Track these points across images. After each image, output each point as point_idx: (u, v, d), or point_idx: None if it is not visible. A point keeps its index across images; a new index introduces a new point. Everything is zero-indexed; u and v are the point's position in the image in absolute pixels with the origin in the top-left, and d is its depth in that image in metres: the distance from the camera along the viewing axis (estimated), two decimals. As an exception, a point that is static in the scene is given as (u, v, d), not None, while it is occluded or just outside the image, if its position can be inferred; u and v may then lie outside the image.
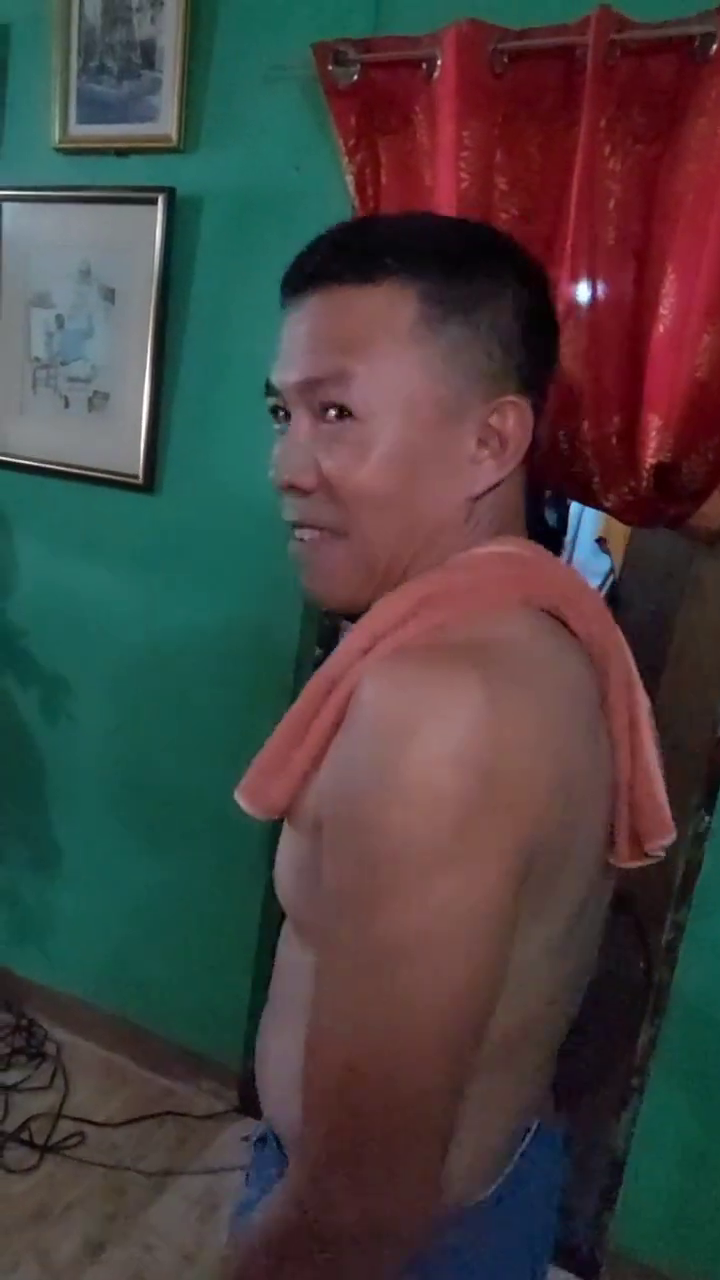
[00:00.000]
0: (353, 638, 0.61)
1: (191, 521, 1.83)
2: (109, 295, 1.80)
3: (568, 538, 2.76)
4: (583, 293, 1.33)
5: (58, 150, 1.80)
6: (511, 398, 0.61)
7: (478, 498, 0.63)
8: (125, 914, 2.08)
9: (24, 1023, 2.13)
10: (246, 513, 1.73)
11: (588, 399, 1.36)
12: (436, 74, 1.35)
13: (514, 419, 0.61)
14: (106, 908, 2.09)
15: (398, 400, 0.59)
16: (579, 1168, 1.66)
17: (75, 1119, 1.89)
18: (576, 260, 1.31)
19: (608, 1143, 1.75)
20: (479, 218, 1.33)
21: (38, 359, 1.91)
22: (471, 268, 0.61)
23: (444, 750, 0.48)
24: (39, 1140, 1.82)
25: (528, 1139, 0.70)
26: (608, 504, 1.42)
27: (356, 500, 0.61)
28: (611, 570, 2.68)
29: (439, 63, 1.34)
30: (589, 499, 1.45)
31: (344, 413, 0.60)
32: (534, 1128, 0.71)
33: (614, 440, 1.38)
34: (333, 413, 0.61)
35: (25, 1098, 1.94)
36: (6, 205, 1.88)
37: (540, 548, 0.64)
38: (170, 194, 1.68)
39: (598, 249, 1.32)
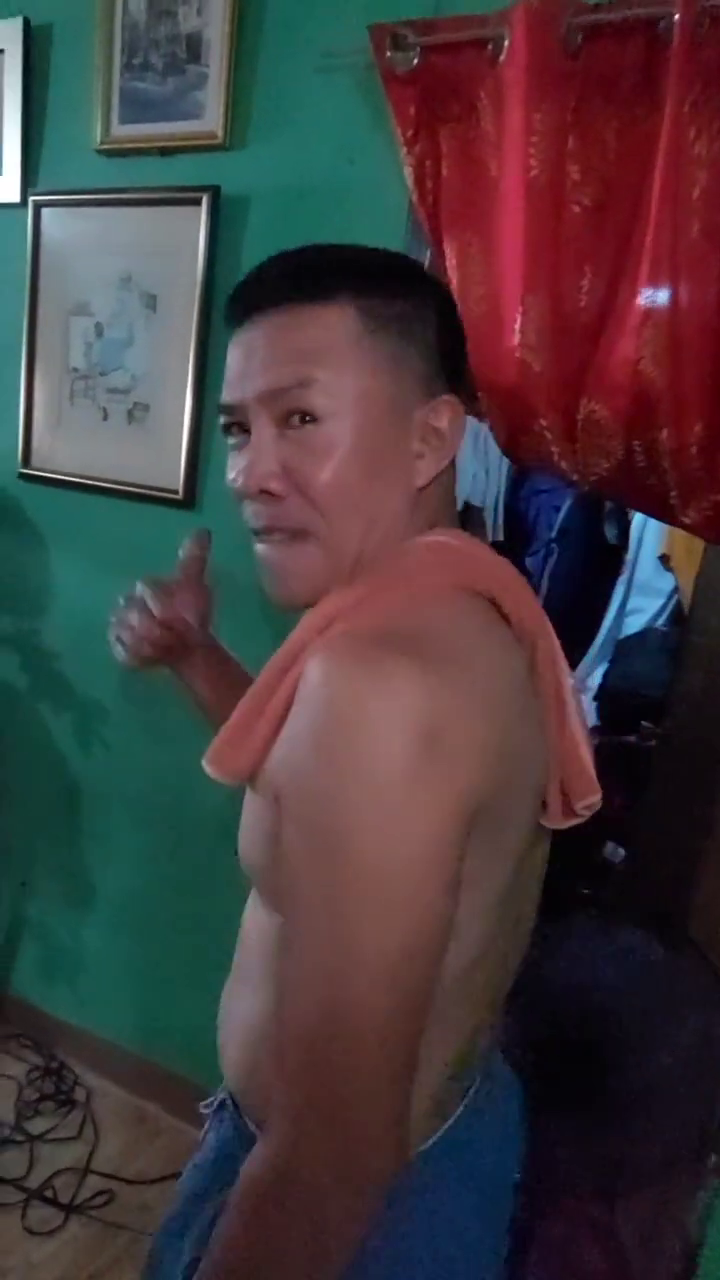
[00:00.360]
0: (309, 620, 0.67)
1: (233, 539, 1.71)
2: (150, 302, 1.71)
3: (628, 555, 2.61)
4: (662, 291, 1.21)
5: (99, 152, 1.73)
6: (446, 396, 0.69)
7: (422, 490, 0.69)
8: (159, 953, 1.97)
9: (54, 1065, 2.02)
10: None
11: (666, 406, 1.23)
12: (503, 55, 1.24)
13: (448, 416, 0.69)
14: (139, 946, 1.99)
15: (355, 401, 0.65)
16: (646, 1250, 1.51)
17: (104, 1175, 1.77)
18: (657, 254, 1.19)
19: (680, 1226, 1.59)
20: (550, 209, 1.23)
21: (76, 369, 1.82)
22: (404, 287, 0.69)
23: (388, 724, 0.53)
24: (64, 1198, 1.71)
25: (476, 1084, 0.75)
26: (686, 520, 1.30)
27: (327, 499, 0.66)
28: (676, 590, 2.51)
29: (506, 43, 1.23)
30: (665, 514, 1.33)
31: (307, 418, 0.66)
32: (478, 1079, 0.76)
33: (695, 450, 1.25)
34: (296, 418, 0.67)
35: (53, 1149, 1.83)
36: (46, 211, 1.81)
37: (470, 537, 0.71)
38: (215, 193, 1.59)
39: (680, 242, 1.19)
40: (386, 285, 0.68)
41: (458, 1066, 0.71)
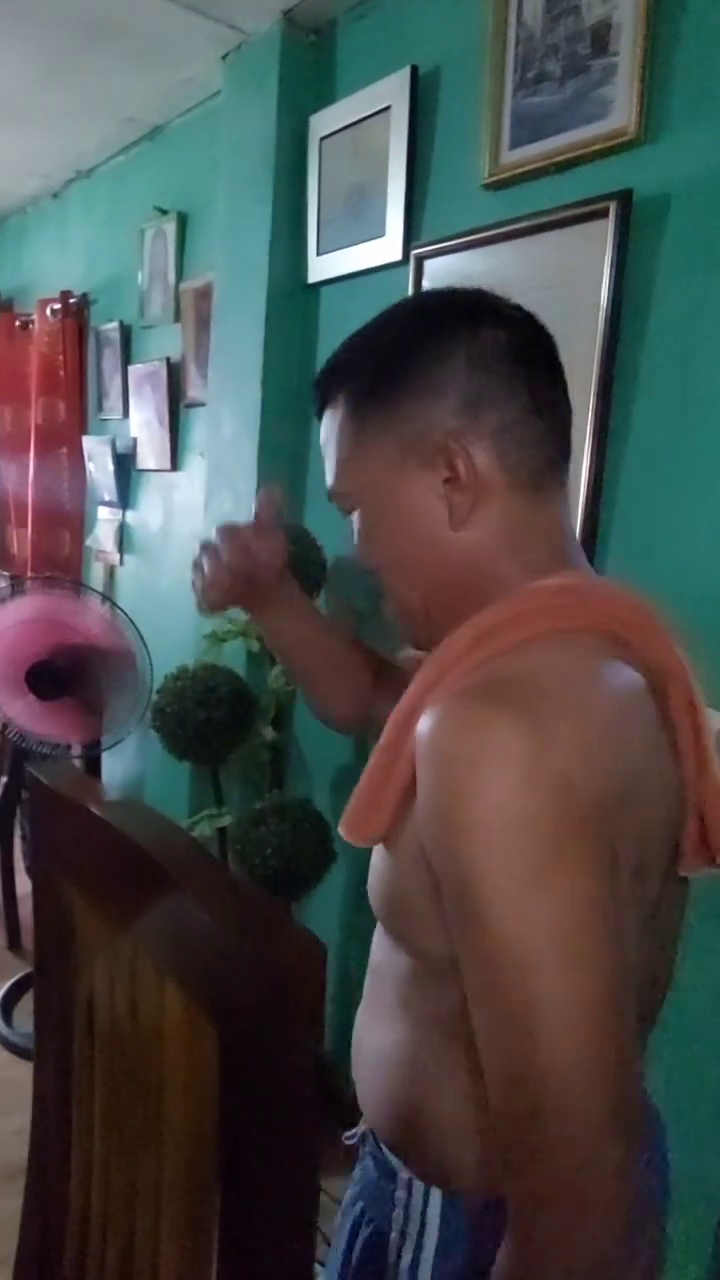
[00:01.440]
0: (423, 673, 0.66)
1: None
2: (542, 342, 1.47)
3: None
4: None
5: (486, 186, 1.54)
6: (455, 441, 0.65)
7: (467, 527, 0.67)
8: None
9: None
10: (713, 611, 1.25)
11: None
12: None
13: (456, 449, 0.65)
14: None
15: (362, 485, 0.71)
16: None
17: None
18: None
19: None
20: None
21: (456, 430, 1.63)
22: (395, 353, 0.68)
23: (510, 778, 0.52)
24: None
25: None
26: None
27: (374, 569, 0.73)
28: None
29: None
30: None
31: (346, 509, 0.74)
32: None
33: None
34: (348, 510, 0.74)
35: None
36: (428, 263, 1.66)
37: (600, 578, 0.71)
38: (625, 199, 1.31)
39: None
40: (375, 363, 0.69)
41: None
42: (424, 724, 0.57)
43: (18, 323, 3.21)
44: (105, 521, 2.89)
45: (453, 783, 0.54)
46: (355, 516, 0.72)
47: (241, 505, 2.07)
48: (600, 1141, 0.52)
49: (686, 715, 0.66)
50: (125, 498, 2.76)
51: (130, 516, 2.77)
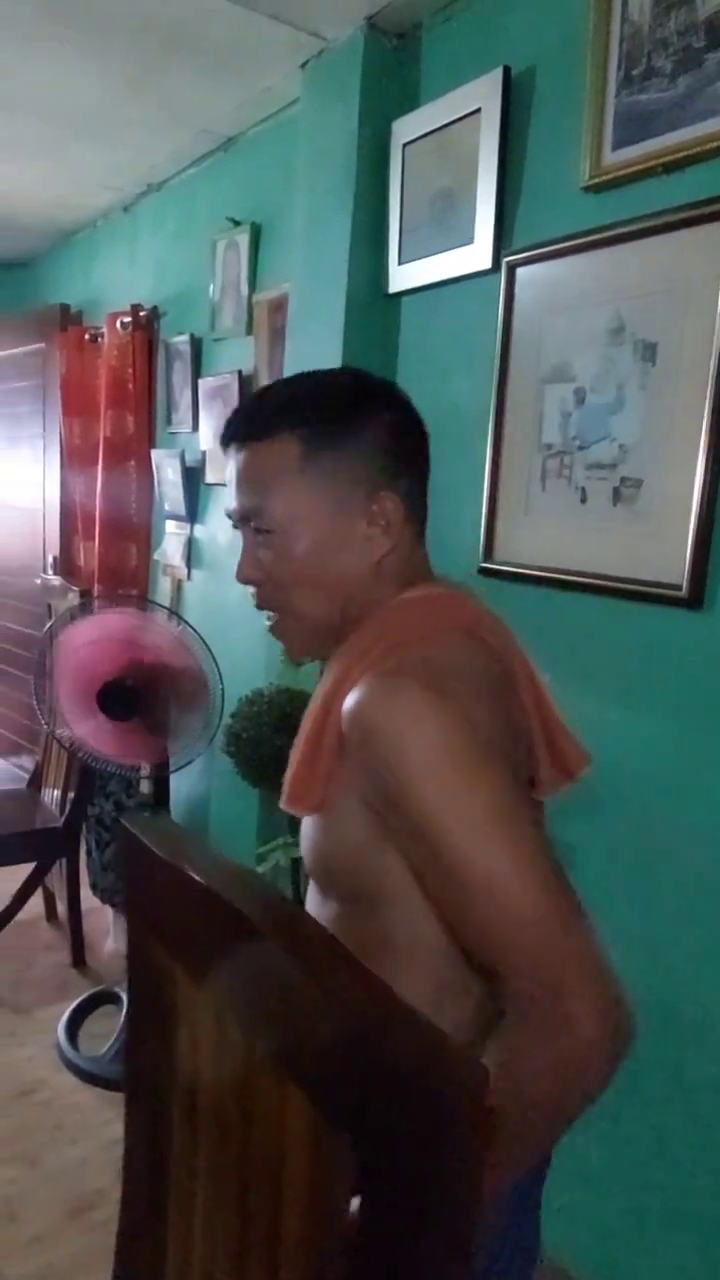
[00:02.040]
0: (338, 667, 0.81)
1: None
2: (647, 353, 1.38)
3: None
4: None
5: (586, 189, 1.46)
6: (384, 493, 0.84)
7: (380, 561, 0.85)
8: (622, 1193, 1.53)
9: None
10: None
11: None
12: None
13: (390, 506, 0.84)
14: (598, 1180, 1.57)
15: (300, 513, 0.83)
16: None
17: None
18: None
19: None
20: None
21: (549, 446, 1.55)
22: (345, 413, 0.84)
23: (430, 726, 0.71)
24: None
25: None
26: None
27: (288, 587, 0.86)
28: None
29: None
30: None
31: (266, 529, 0.85)
32: None
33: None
34: (259, 531, 0.86)
35: None
36: (520, 271, 1.58)
37: (451, 587, 0.89)
38: (747, 200, 1.21)
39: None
40: (325, 416, 0.83)
41: None
42: (352, 702, 0.74)
43: (87, 336, 3.20)
44: (173, 535, 2.87)
45: (389, 740, 0.71)
46: (267, 538, 0.85)
47: (316, 522, 2.01)
48: (581, 952, 0.68)
49: (528, 681, 0.88)
50: (194, 511, 2.73)
51: (199, 530, 2.74)
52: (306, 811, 0.83)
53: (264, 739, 1.73)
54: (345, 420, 0.84)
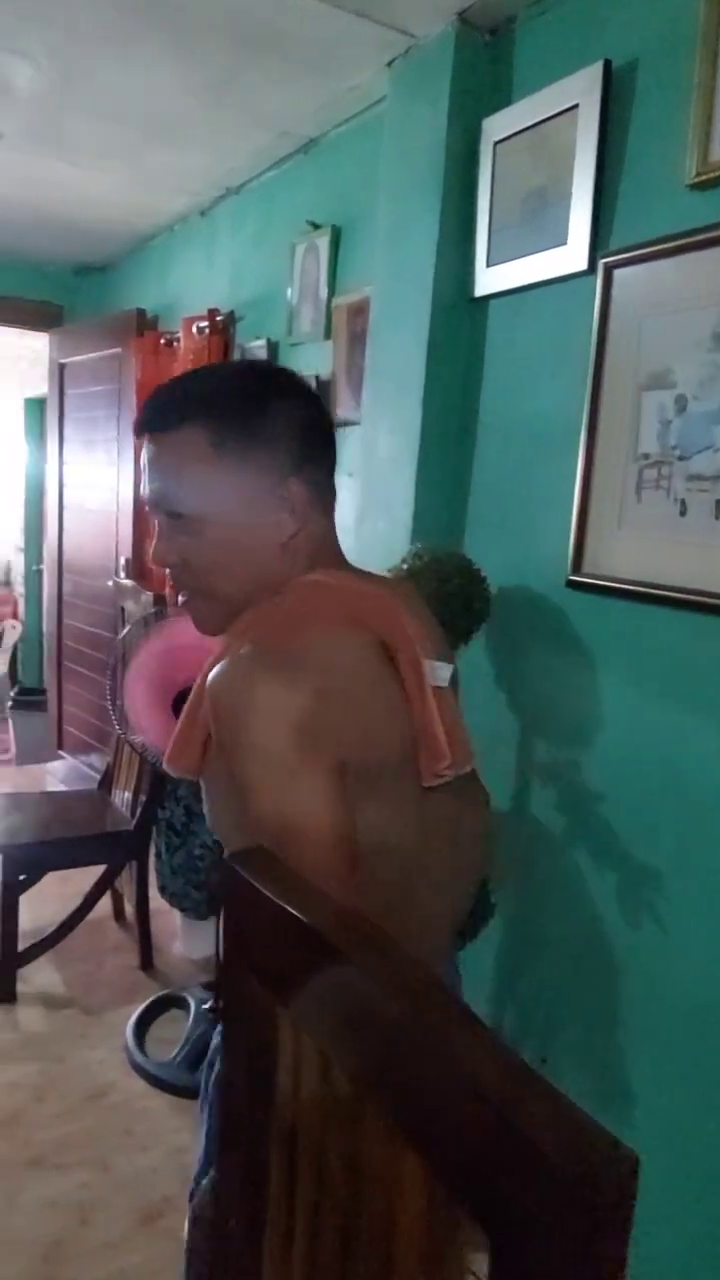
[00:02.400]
0: (219, 651, 0.88)
1: None
2: (758, 359, 1.31)
3: None
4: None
5: (691, 187, 1.39)
6: (291, 479, 0.89)
7: (287, 543, 0.90)
8: (712, 1200, 1.46)
9: None
10: None
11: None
12: None
13: (296, 491, 0.89)
14: (686, 1189, 1.50)
15: (209, 501, 0.88)
16: None
17: None
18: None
19: None
20: None
21: (646, 456, 1.49)
22: (251, 404, 0.88)
23: (265, 717, 0.79)
24: None
25: None
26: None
27: (201, 567, 0.91)
28: None
29: None
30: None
31: (177, 514, 0.90)
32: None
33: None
34: (173, 516, 0.90)
35: None
36: (618, 272, 1.52)
37: (350, 575, 0.95)
38: None
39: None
40: (232, 407, 0.88)
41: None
42: (212, 676, 0.83)
43: (163, 340, 3.22)
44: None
45: (231, 721, 0.80)
46: (179, 523, 0.89)
47: (396, 528, 1.97)
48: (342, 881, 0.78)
49: (412, 671, 0.88)
50: (268, 517, 2.71)
51: (272, 536, 2.72)
52: (182, 772, 0.93)
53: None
54: (251, 411, 0.88)
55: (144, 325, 3.39)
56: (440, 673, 0.90)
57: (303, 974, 0.68)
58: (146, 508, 0.95)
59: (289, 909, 0.69)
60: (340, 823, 0.79)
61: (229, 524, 0.89)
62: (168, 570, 0.94)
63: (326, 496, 0.94)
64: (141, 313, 3.43)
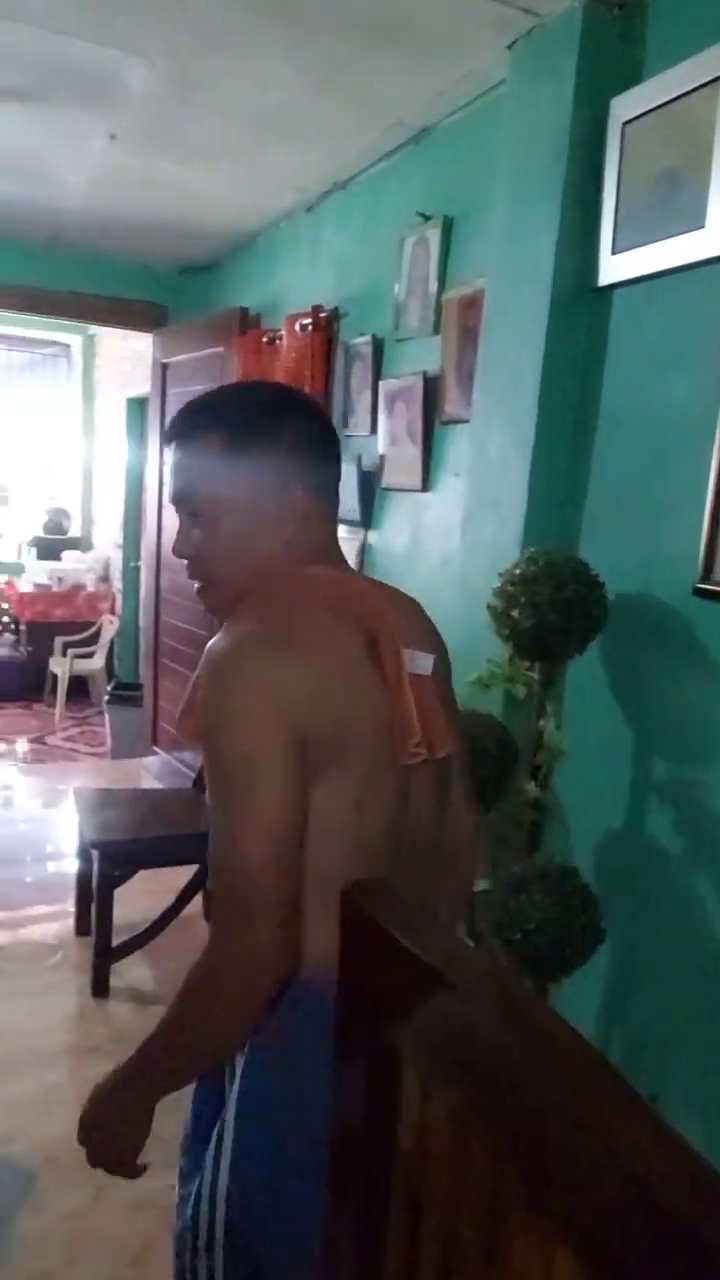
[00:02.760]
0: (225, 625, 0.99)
1: None
2: None
3: None
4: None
5: None
6: (294, 484, 0.99)
7: (288, 541, 1.00)
8: None
9: None
10: None
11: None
12: None
13: (298, 497, 0.99)
14: None
15: (222, 501, 1.00)
16: None
17: None
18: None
19: None
20: None
21: (790, 454, 1.36)
22: (259, 418, 1.00)
23: (236, 687, 0.90)
24: None
25: None
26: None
27: (212, 561, 1.02)
28: None
29: None
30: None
31: (195, 514, 1.02)
32: None
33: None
34: (191, 514, 1.03)
35: None
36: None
37: (341, 572, 1.06)
38: None
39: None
40: (245, 420, 1.00)
41: None
42: (206, 648, 0.93)
43: (265, 339, 3.21)
44: (345, 541, 2.79)
45: (214, 682, 0.90)
46: (196, 520, 1.01)
47: (506, 531, 1.88)
48: (248, 917, 0.86)
49: (391, 657, 0.96)
50: (368, 517, 2.66)
51: (373, 537, 2.67)
52: (188, 736, 1.01)
53: (446, 763, 1.63)
54: (261, 425, 1.00)
55: (246, 324, 3.38)
56: (420, 662, 1.00)
57: (432, 1026, 0.61)
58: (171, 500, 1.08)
59: (412, 948, 0.62)
60: (288, 782, 0.88)
61: (237, 521, 1.00)
62: (186, 562, 1.05)
63: (326, 503, 1.04)
64: (244, 311, 3.42)
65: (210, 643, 0.94)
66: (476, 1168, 0.57)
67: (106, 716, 4.86)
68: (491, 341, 1.94)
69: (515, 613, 1.57)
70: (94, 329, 5.93)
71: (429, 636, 1.09)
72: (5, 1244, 1.08)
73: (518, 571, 1.61)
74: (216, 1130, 1.02)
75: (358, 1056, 0.71)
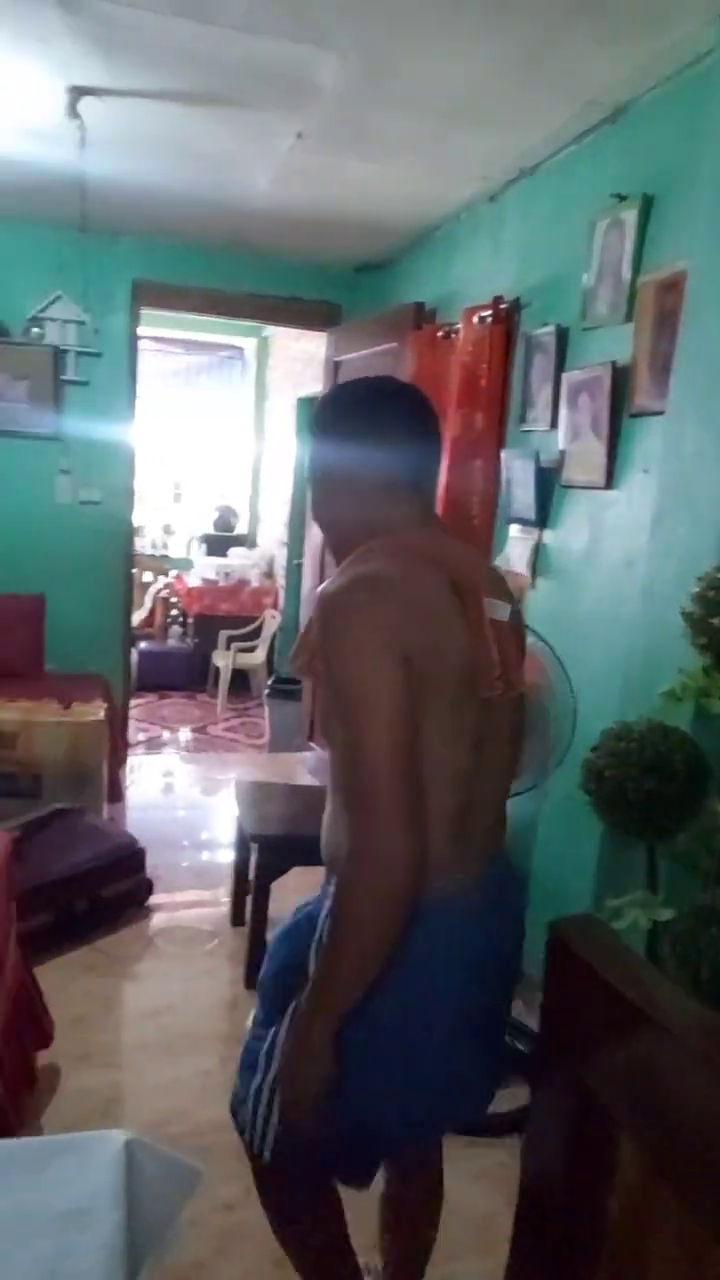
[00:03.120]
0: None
1: None
2: None
3: None
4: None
5: None
6: (394, 466, 1.19)
7: (387, 508, 1.20)
8: None
9: None
10: None
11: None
12: None
13: (395, 475, 1.20)
14: None
15: (330, 479, 1.23)
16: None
17: None
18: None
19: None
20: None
21: None
22: (357, 413, 1.22)
23: (351, 618, 1.06)
24: None
25: (480, 872, 1.20)
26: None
27: (328, 524, 1.26)
28: None
29: None
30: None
31: (317, 489, 1.27)
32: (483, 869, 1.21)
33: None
34: (314, 487, 1.27)
35: None
36: None
37: (433, 534, 1.24)
38: None
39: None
40: (356, 413, 1.22)
41: (453, 834, 1.13)
42: (320, 591, 1.12)
43: (440, 333, 3.15)
44: (517, 540, 2.71)
45: (329, 619, 1.07)
46: (317, 493, 1.26)
47: (702, 531, 1.74)
48: (383, 817, 1.00)
49: (474, 604, 1.13)
50: (544, 515, 2.55)
51: (549, 536, 2.55)
52: (295, 670, 1.20)
53: (630, 780, 1.50)
54: (361, 414, 1.21)
55: (422, 318, 3.34)
56: (498, 609, 1.16)
57: (633, 1068, 0.53)
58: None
59: (626, 994, 0.54)
60: (401, 700, 1.02)
61: (343, 494, 1.21)
62: (318, 524, 1.29)
63: (422, 482, 1.24)
64: (420, 306, 3.38)
65: (321, 587, 1.11)
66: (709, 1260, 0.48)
67: (266, 710, 4.96)
68: (695, 327, 1.79)
69: (717, 620, 1.43)
70: (268, 331, 6.08)
71: (504, 590, 1.24)
72: (172, 1231, 1.09)
73: (710, 595, 1.47)
74: (295, 1001, 1.17)
75: (558, 1097, 0.64)
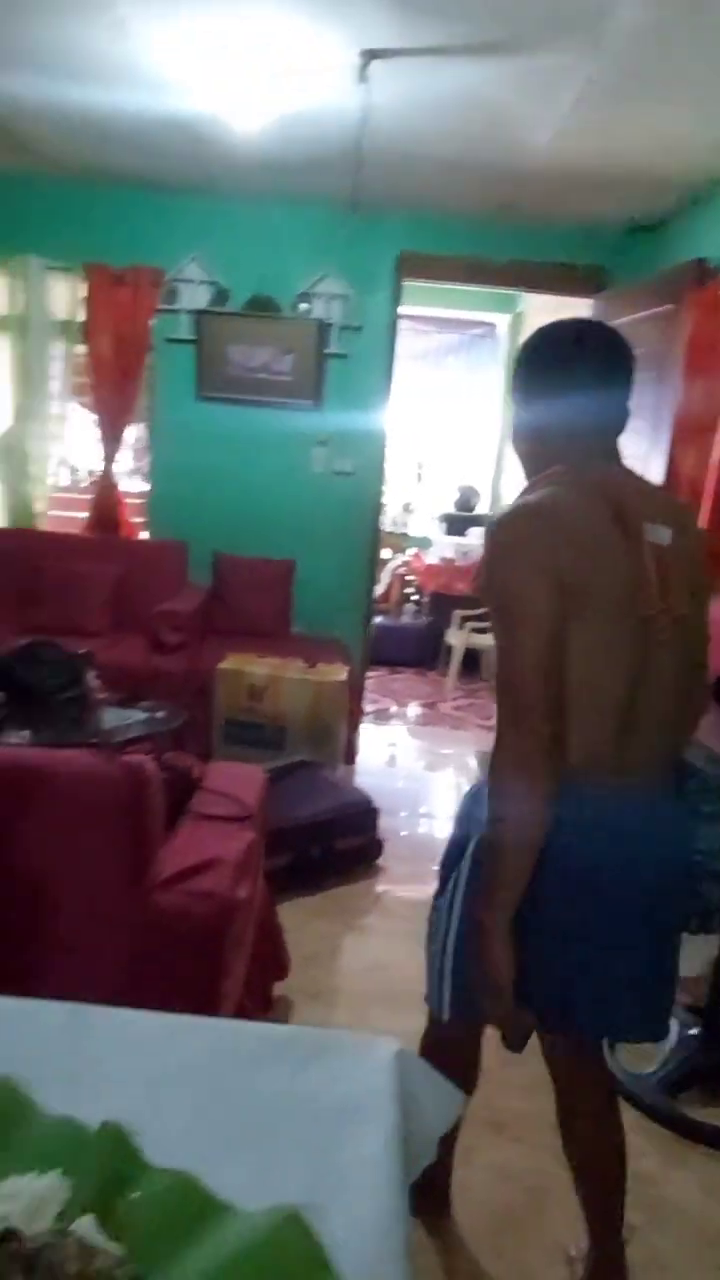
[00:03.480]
0: None
1: None
2: None
3: None
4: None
5: None
6: (575, 402, 1.31)
7: (567, 442, 1.32)
8: None
9: None
10: None
11: None
12: None
13: (577, 415, 1.31)
14: None
15: (527, 419, 1.38)
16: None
17: None
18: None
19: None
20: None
21: None
22: (556, 355, 1.34)
23: (508, 536, 1.24)
24: None
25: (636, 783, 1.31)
26: None
27: (520, 457, 1.41)
28: None
29: None
30: None
31: (515, 425, 1.44)
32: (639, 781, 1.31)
33: None
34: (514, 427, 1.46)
35: None
36: None
37: (608, 466, 1.34)
38: None
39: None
40: (546, 358, 1.35)
41: (619, 728, 1.25)
42: (488, 521, 1.35)
43: (723, 293, 2.91)
44: None
45: (493, 537, 1.26)
46: (516, 432, 1.43)
47: None
48: (523, 706, 1.18)
49: (634, 527, 1.23)
50: None
51: None
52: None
53: None
54: (556, 361, 1.33)
55: (706, 275, 3.10)
56: (658, 533, 1.25)
57: None
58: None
59: None
60: (546, 612, 1.18)
61: (534, 428, 1.37)
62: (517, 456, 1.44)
63: (606, 421, 1.34)
64: (701, 263, 3.14)
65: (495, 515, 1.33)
66: None
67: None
68: None
69: None
70: (522, 306, 5.96)
71: (673, 517, 1.30)
72: (428, 1152, 1.09)
73: None
74: (458, 869, 1.40)
75: None
